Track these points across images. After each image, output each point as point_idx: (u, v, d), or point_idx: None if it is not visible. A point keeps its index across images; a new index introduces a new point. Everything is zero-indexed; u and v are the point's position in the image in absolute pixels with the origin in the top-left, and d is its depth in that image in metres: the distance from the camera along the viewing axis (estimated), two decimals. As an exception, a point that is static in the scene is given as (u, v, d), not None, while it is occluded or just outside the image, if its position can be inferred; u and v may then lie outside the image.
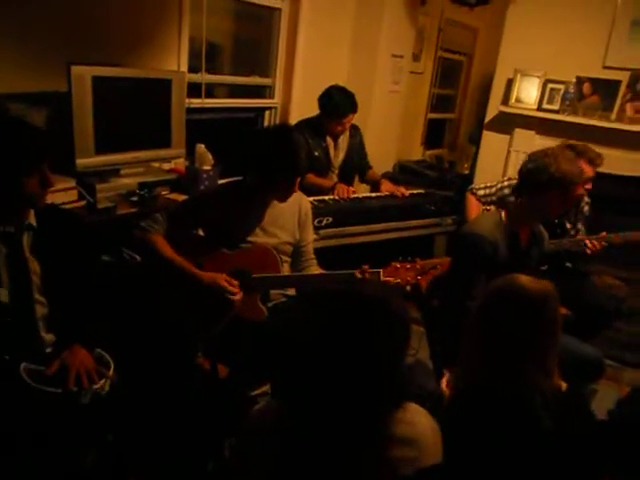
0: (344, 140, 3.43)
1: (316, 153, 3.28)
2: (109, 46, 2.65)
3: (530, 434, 1.30)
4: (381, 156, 4.44)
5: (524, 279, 1.46)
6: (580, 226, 2.98)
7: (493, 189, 3.02)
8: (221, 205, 2.18)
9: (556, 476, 1.30)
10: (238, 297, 2.07)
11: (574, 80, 4.07)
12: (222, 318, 2.08)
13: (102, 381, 1.66)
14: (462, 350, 1.55)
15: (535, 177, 2.13)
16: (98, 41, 2.59)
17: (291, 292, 2.33)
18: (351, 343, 1.13)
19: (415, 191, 3.59)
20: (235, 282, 2.08)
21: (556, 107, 4.14)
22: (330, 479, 1.15)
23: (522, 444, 1.27)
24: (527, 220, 2.27)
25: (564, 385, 1.52)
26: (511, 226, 2.24)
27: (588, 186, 2.83)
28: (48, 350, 1.72)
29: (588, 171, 2.75)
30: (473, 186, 3.17)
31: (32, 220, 1.67)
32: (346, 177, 3.51)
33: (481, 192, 3.05)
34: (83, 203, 2.42)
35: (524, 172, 2.19)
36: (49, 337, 1.73)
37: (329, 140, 3.36)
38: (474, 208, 3.05)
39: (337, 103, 3.21)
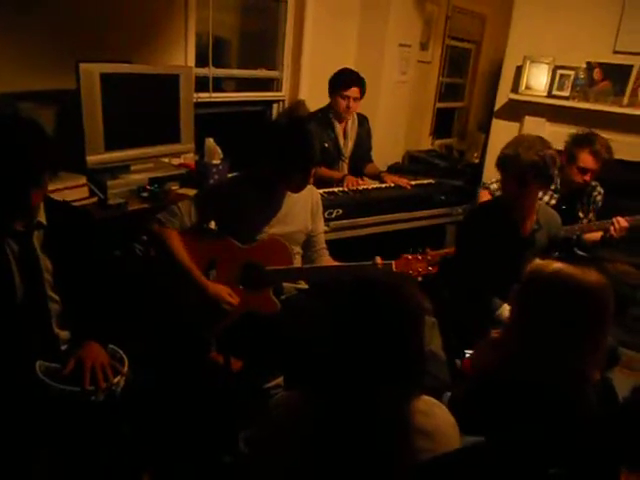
0: (352, 129, 3.43)
1: (326, 145, 3.27)
2: (117, 43, 2.66)
3: (583, 428, 1.27)
4: (390, 147, 4.43)
5: (586, 273, 1.33)
6: (591, 216, 2.95)
7: None
8: (236, 196, 2.17)
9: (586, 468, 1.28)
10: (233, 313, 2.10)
11: (584, 66, 4.02)
12: (220, 320, 2.11)
13: (117, 378, 1.65)
14: (503, 343, 1.50)
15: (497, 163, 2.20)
16: (106, 38, 2.60)
17: (303, 285, 2.33)
18: (367, 326, 1.15)
19: (425, 181, 3.58)
20: (237, 298, 2.09)
21: (566, 94, 4.11)
22: (358, 467, 1.15)
23: (573, 437, 1.24)
24: (514, 208, 2.24)
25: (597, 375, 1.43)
26: (509, 214, 2.23)
27: (586, 177, 2.75)
28: (63, 347, 1.73)
29: (588, 162, 2.70)
30: (485, 182, 3.15)
31: (42, 218, 1.67)
32: (356, 167, 3.51)
33: (494, 186, 3.02)
34: (94, 200, 2.44)
35: None
36: (64, 334, 1.74)
37: (338, 130, 3.35)
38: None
39: (340, 75, 3.27)
